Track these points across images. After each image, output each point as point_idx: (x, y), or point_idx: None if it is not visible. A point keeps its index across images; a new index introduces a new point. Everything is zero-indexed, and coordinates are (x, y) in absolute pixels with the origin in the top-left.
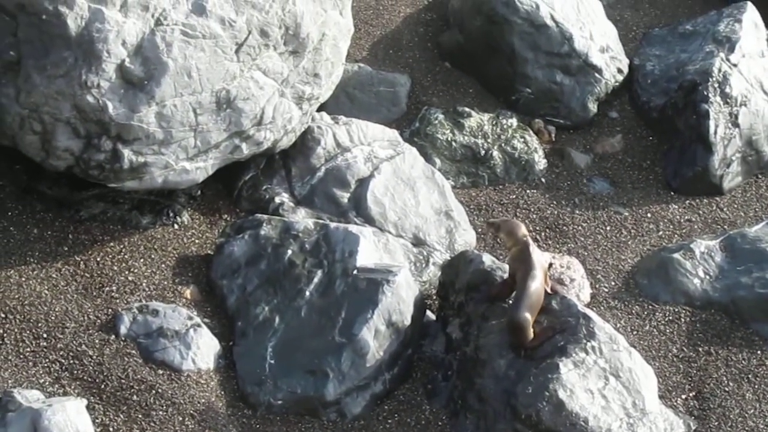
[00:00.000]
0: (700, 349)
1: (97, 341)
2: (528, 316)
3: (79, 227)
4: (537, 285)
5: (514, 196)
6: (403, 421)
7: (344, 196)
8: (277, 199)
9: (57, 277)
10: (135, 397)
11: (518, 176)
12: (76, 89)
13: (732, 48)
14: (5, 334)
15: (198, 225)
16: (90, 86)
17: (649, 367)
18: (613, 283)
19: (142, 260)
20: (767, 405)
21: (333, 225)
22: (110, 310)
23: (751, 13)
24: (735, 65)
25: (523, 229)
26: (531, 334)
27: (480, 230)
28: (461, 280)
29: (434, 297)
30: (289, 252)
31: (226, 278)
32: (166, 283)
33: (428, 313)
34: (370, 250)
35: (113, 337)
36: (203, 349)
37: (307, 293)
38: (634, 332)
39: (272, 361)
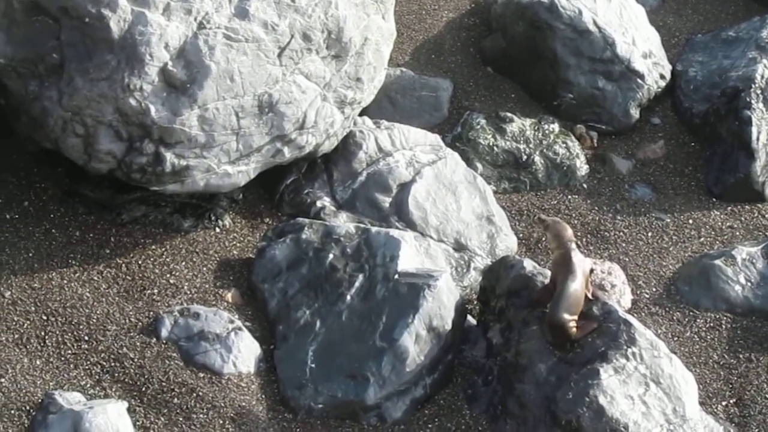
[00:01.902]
0: (741, 356)
1: (138, 344)
2: (567, 316)
3: (120, 230)
4: (576, 287)
5: (555, 202)
6: (443, 425)
7: (386, 201)
8: (319, 203)
9: (98, 279)
10: (176, 400)
11: (560, 182)
12: (119, 92)
13: None
14: (47, 336)
15: (239, 229)
16: (132, 89)
17: (689, 374)
18: (654, 290)
19: (183, 263)
20: None
21: (374, 229)
22: (151, 312)
23: None
24: None
25: (569, 234)
26: (572, 332)
27: (521, 235)
28: (502, 285)
29: (475, 302)
30: (331, 256)
31: (267, 282)
32: (207, 286)
33: (469, 318)
34: (411, 255)
35: (154, 339)
36: (244, 353)
37: (348, 297)
38: (675, 338)
39: (313, 365)
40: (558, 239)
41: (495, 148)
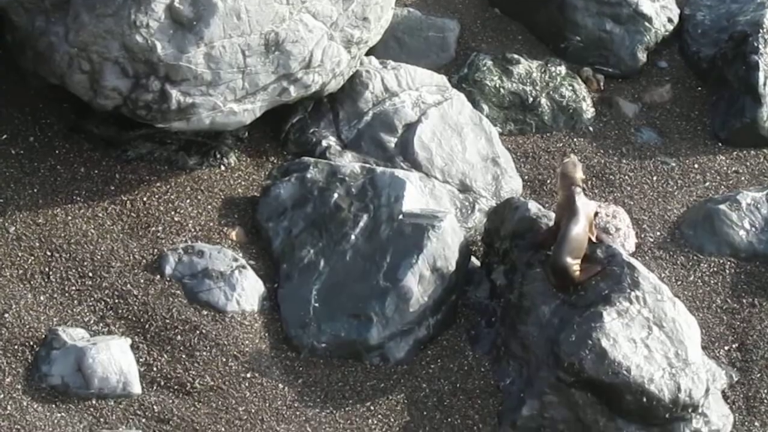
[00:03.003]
0: (744, 301)
1: (142, 281)
2: (569, 260)
3: (125, 167)
4: (579, 230)
5: (561, 144)
6: (446, 366)
7: (391, 141)
8: (324, 143)
9: (103, 216)
10: (179, 338)
11: (566, 124)
12: (125, 29)
13: None
14: (51, 273)
15: (245, 167)
16: (139, 26)
17: (692, 318)
18: (658, 233)
19: (188, 201)
20: None
21: (379, 169)
22: (156, 250)
23: None
24: None
25: (576, 176)
26: (575, 275)
27: (526, 177)
28: (506, 227)
29: (479, 243)
30: (335, 196)
31: (271, 221)
32: (211, 224)
33: (473, 259)
34: (416, 196)
35: (158, 277)
36: (248, 291)
37: (353, 237)
38: (679, 283)
39: (316, 305)
40: (564, 180)
41: (501, 89)
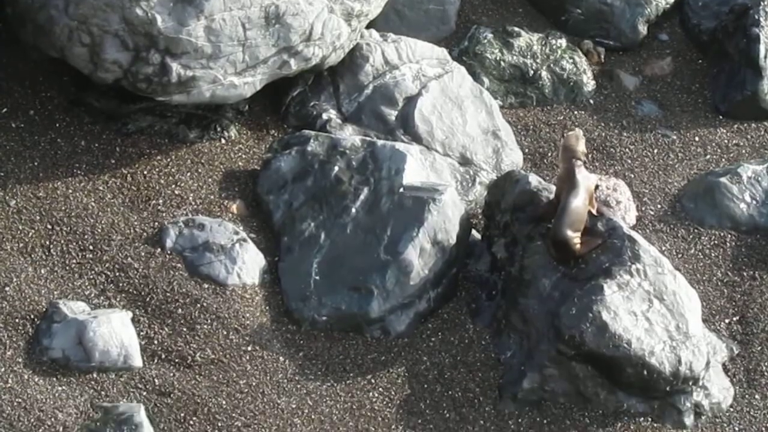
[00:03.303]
0: (745, 274)
1: (142, 254)
2: (570, 233)
3: (126, 140)
4: (578, 203)
5: (561, 117)
6: (447, 339)
7: (392, 114)
8: (325, 116)
9: (104, 189)
10: (180, 311)
11: (566, 97)
12: (125, 1)
13: None
14: (51, 246)
15: (245, 140)
16: None
17: (693, 291)
18: (659, 206)
19: (188, 174)
20: None
21: (380, 142)
22: (156, 223)
23: None
24: None
25: (578, 149)
26: (576, 248)
27: (527, 150)
28: (507, 200)
29: (480, 216)
30: (336, 168)
31: (272, 194)
32: (212, 197)
33: (474, 232)
34: (416, 168)
35: (159, 250)
36: (249, 264)
37: (353, 210)
38: (679, 255)
39: (317, 278)
40: (565, 153)
41: (502, 62)
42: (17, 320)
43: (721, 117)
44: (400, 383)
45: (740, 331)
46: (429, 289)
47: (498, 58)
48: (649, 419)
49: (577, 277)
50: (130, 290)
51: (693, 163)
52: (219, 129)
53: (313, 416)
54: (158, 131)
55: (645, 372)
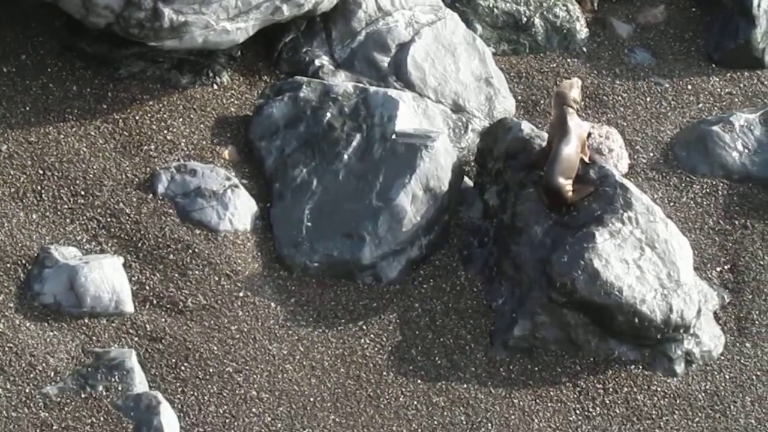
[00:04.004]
0: (737, 222)
1: (134, 200)
2: (562, 180)
3: (118, 85)
4: (570, 150)
5: (554, 65)
6: (438, 286)
7: (384, 61)
8: (317, 62)
9: (95, 134)
10: (171, 257)
11: (559, 45)
12: None
13: None
14: (43, 191)
15: (237, 86)
16: None
17: (684, 239)
18: (651, 155)
19: (180, 120)
20: None
21: (372, 89)
22: (148, 168)
23: None
24: None
25: (570, 96)
26: (568, 195)
27: (519, 98)
28: (499, 147)
29: (472, 164)
30: (328, 115)
31: (264, 140)
32: (204, 143)
33: (466, 179)
34: (409, 115)
35: (151, 195)
36: (240, 210)
37: (345, 157)
38: (671, 204)
39: (309, 224)
40: (558, 100)
41: (495, 9)
42: (8, 265)
43: (714, 65)
44: (392, 330)
45: (731, 279)
46: (421, 236)
47: (491, 5)
48: (640, 367)
49: (569, 225)
50: (122, 236)
51: (685, 111)
52: (211, 75)
53: (304, 362)
54: (150, 76)
55: (636, 320)
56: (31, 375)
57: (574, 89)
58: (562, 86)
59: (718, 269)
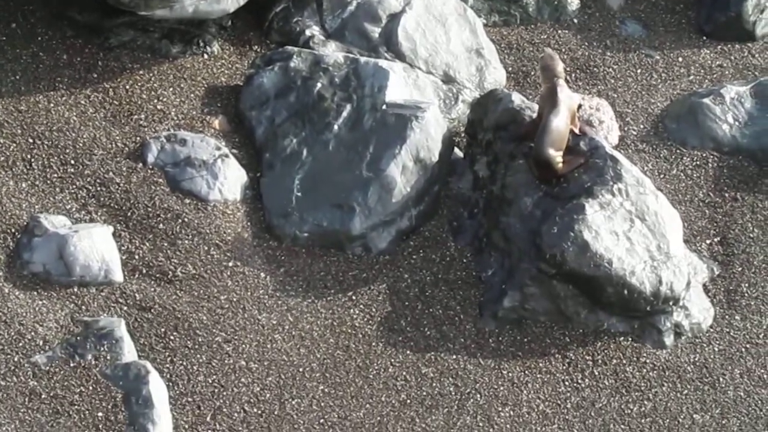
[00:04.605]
0: (727, 195)
1: (124, 169)
2: (552, 151)
3: (108, 54)
4: (560, 122)
5: (545, 36)
6: (428, 257)
7: (375, 31)
8: (308, 32)
9: (85, 103)
10: (161, 226)
11: (550, 16)
12: None
13: None
14: (33, 160)
15: (228, 56)
16: None
17: (674, 211)
18: (641, 126)
19: (171, 89)
20: None
21: (363, 59)
22: (138, 138)
23: None
24: None
25: (558, 68)
26: (558, 167)
27: (510, 69)
28: (490, 118)
29: (462, 135)
30: (319, 85)
31: (254, 110)
32: (194, 112)
33: (456, 150)
34: (399, 86)
35: (140, 165)
36: (230, 180)
37: (336, 127)
38: (661, 176)
39: (299, 194)
40: (546, 72)
41: None
42: None
43: (705, 38)
44: (381, 300)
45: (721, 251)
46: (411, 207)
47: None
48: (629, 339)
49: (559, 196)
50: (112, 205)
51: (676, 83)
52: (202, 44)
53: (293, 332)
54: (141, 46)
55: (626, 291)
56: (20, 344)
57: (556, 60)
58: (544, 60)
59: (708, 241)
